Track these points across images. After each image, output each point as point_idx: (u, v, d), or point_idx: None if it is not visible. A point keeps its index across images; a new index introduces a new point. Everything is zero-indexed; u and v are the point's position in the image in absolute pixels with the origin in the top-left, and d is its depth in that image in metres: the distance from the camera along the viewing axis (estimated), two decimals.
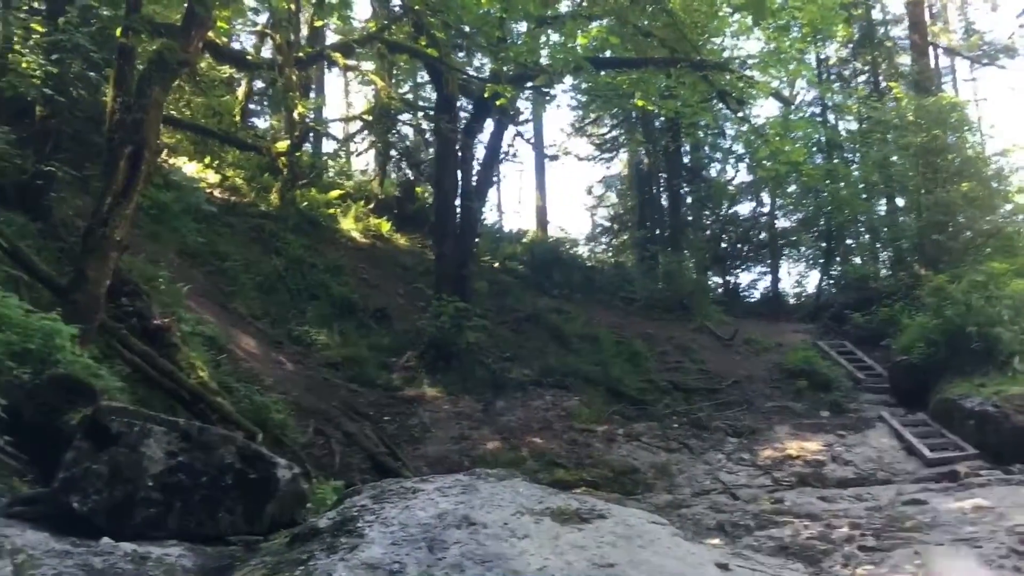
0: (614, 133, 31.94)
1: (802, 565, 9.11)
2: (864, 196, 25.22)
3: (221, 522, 4.41)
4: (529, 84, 18.02)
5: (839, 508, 11.58)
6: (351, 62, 18.11)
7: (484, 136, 20.66)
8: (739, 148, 27.57)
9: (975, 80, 31.74)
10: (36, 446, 4.99)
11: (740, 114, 18.19)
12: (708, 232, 29.72)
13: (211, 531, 4.34)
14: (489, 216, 29.06)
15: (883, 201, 26.49)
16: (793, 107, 26.36)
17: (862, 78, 30.03)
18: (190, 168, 17.68)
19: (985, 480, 12.22)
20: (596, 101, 25.65)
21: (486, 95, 15.37)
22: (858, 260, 27.51)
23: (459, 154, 18.65)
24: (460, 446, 13.58)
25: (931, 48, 26.97)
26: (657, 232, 29.71)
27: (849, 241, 28.13)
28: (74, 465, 4.18)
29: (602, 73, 17.53)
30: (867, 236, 27.81)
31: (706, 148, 29.39)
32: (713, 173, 30.24)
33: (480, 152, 20.63)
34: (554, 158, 32.18)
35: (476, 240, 19.46)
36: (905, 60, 27.56)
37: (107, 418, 4.40)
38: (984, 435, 13.51)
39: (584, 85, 23.07)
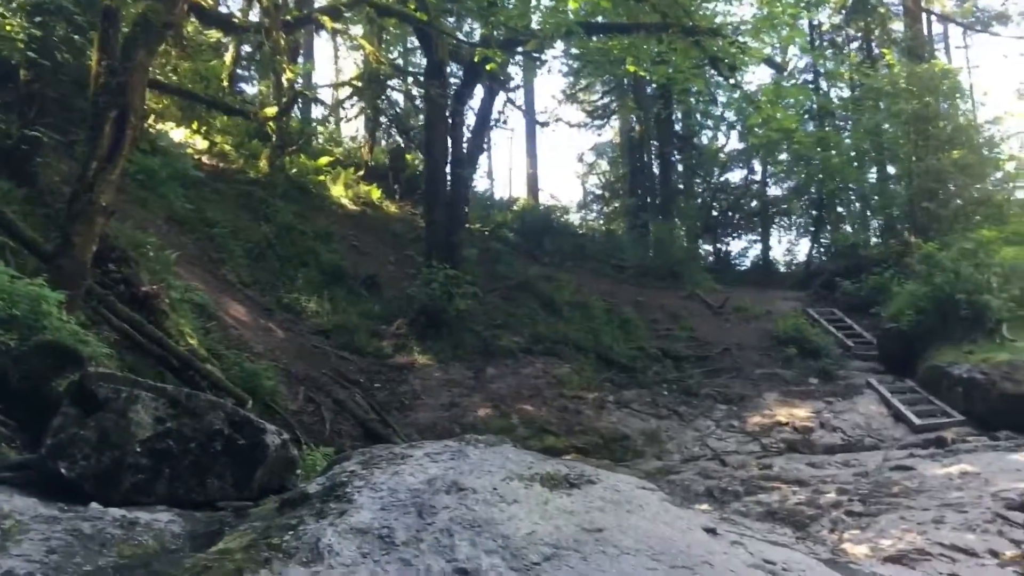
0: (605, 100, 31.77)
1: (790, 529, 9.21)
2: (855, 164, 25.20)
3: (210, 488, 4.40)
4: (520, 49, 17.85)
5: (827, 474, 11.69)
6: (339, 26, 17.86)
7: (475, 103, 20.51)
8: (731, 115, 27.49)
9: (968, 47, 31.68)
10: (23, 412, 4.96)
11: (732, 80, 18.06)
12: (699, 200, 29.69)
13: (200, 497, 4.33)
14: (480, 183, 28.96)
15: (874, 169, 26.49)
16: (785, 74, 26.22)
17: (855, 45, 29.88)
18: (178, 134, 17.50)
19: (972, 446, 12.34)
20: (587, 67, 25.46)
21: (476, 60, 15.21)
22: (848, 228, 27.57)
23: (449, 120, 18.51)
24: (450, 413, 13.61)
25: (924, 14, 26.85)
26: (648, 200, 29.66)
27: (840, 209, 28.17)
28: (61, 431, 4.15)
29: (593, 38, 17.36)
30: (858, 204, 27.85)
31: (698, 115, 29.28)
32: (704, 141, 30.16)
33: (470, 119, 20.48)
34: (545, 125, 32.07)
35: (466, 207, 19.39)
36: (898, 26, 27.41)
37: (95, 384, 4.37)
38: (971, 402, 13.63)
39: (575, 51, 22.88)
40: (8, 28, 9.86)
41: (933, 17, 28.63)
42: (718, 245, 29.20)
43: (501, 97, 22.23)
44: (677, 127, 29.63)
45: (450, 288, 16.01)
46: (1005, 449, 11.96)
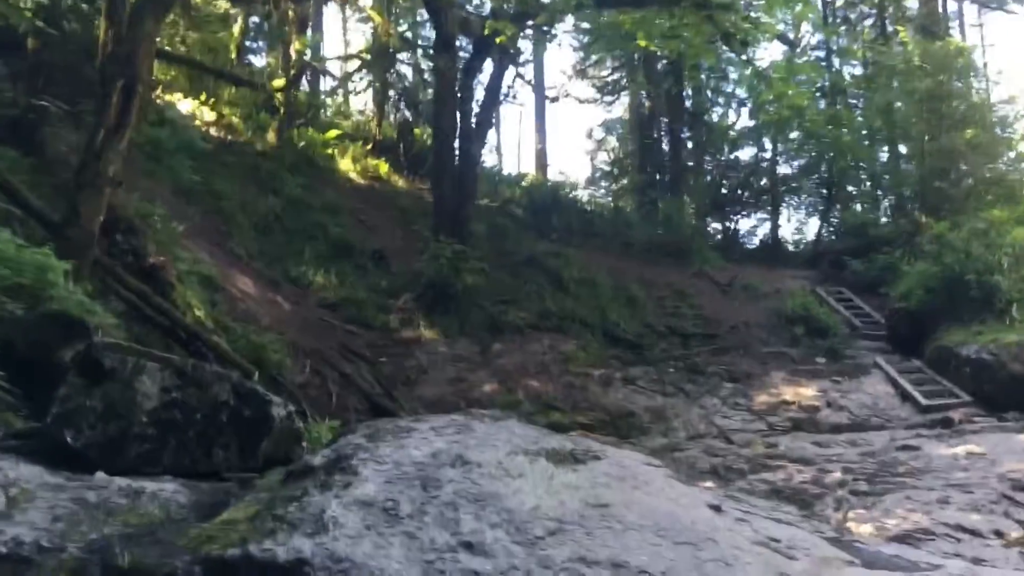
0: (615, 76, 31.54)
1: (794, 508, 9.20)
2: (867, 143, 25.01)
3: (216, 458, 4.40)
4: (530, 22, 17.69)
5: (832, 453, 11.69)
6: None
7: (484, 77, 20.36)
8: (741, 92, 27.26)
9: (982, 25, 31.27)
10: (29, 381, 4.97)
11: (744, 56, 17.89)
12: (708, 177, 29.52)
13: (206, 467, 4.33)
14: (488, 158, 28.81)
15: (885, 148, 26.28)
16: (797, 50, 25.99)
17: (868, 21, 29.55)
18: (185, 106, 17.44)
19: (979, 427, 12.33)
20: (598, 41, 25.22)
21: (486, 33, 15.09)
22: (859, 207, 27.39)
23: (458, 94, 18.39)
24: (456, 388, 13.64)
25: None
26: (657, 177, 29.51)
27: (850, 188, 27.97)
28: (67, 400, 4.15)
29: (604, 13, 17.20)
30: (868, 183, 27.65)
31: (708, 92, 29.04)
32: (715, 118, 29.93)
33: (479, 93, 20.36)
34: (554, 100, 31.85)
35: (475, 182, 19.29)
36: (912, 3, 27.09)
37: (101, 354, 4.36)
38: (979, 382, 13.60)
39: (586, 25, 22.67)
40: None
41: None
42: (727, 223, 29.06)
43: (511, 71, 22.12)
44: (687, 104, 29.40)
45: (457, 263, 15.98)
46: (1013, 430, 11.94)
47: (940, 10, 26.43)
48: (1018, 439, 11.23)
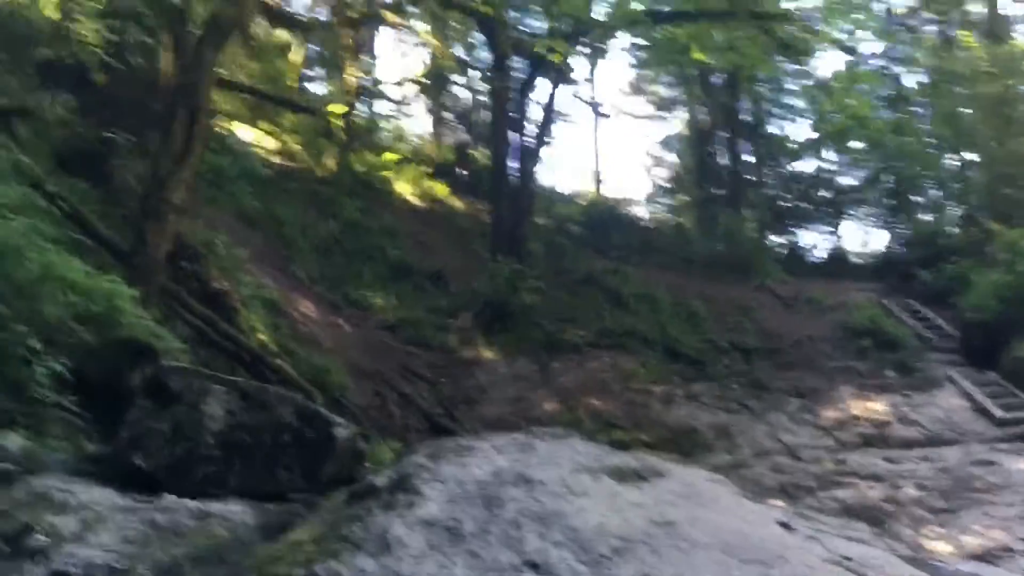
0: (672, 91, 31.37)
1: (866, 525, 8.95)
2: (932, 150, 24.41)
3: (280, 480, 4.45)
4: (583, 39, 17.71)
5: (904, 469, 11.37)
6: (403, 21, 17.99)
7: (539, 95, 20.44)
8: (800, 103, 26.85)
9: None
10: (100, 406, 5.09)
11: (802, 67, 17.64)
12: (769, 191, 29.09)
13: (271, 488, 4.38)
14: (545, 177, 28.84)
15: (951, 155, 25.60)
16: (858, 59, 25.54)
17: (931, 28, 28.92)
18: (247, 133, 17.84)
19: None
20: (653, 58, 25.12)
21: (537, 50, 15.14)
22: (926, 217, 26.69)
23: (513, 114, 18.48)
24: (517, 407, 13.61)
25: None
26: (716, 191, 29.19)
27: (916, 197, 27.28)
28: (137, 424, 4.24)
29: (659, 27, 17.14)
30: (935, 192, 26.93)
31: (766, 104, 28.68)
32: (775, 130, 29.52)
33: (536, 112, 20.42)
34: (606, 116, 31.79)
35: (531, 201, 19.32)
36: (977, 7, 26.42)
37: (168, 377, 4.45)
38: None
39: (641, 41, 22.60)
40: (84, 33, 10.16)
41: None
42: (789, 236, 28.57)
43: (565, 89, 22.14)
44: (747, 117, 29.07)
45: (515, 282, 16.00)
46: None
47: (1005, 13, 25.72)
48: None
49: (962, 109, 22.68)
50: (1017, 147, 19.77)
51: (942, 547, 8.46)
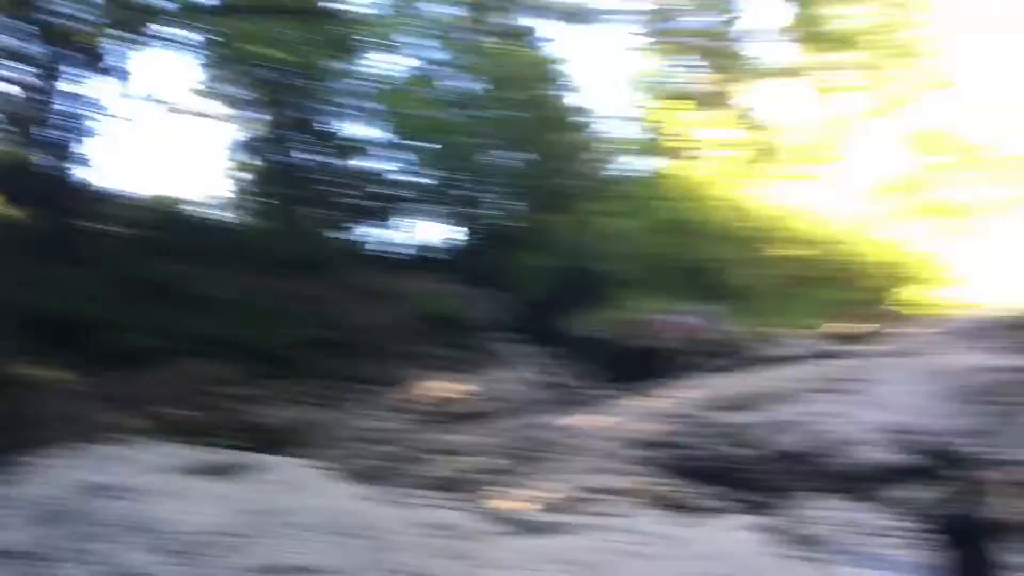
0: (244, 92, 30.43)
1: (454, 493, 9.64)
2: (496, 150, 26.58)
3: None
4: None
5: (478, 440, 12.45)
6: None
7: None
8: (375, 105, 27.59)
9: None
10: None
11: (372, 68, 17.82)
12: (343, 189, 29.36)
13: None
14: (111, 179, 26.09)
15: (512, 153, 28.02)
16: (425, 64, 26.73)
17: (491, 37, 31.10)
18: None
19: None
20: (215, 53, 24.02)
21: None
22: (493, 212, 28.86)
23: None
24: (83, 425, 12.30)
25: None
26: (291, 191, 28.86)
27: (484, 194, 29.14)
28: None
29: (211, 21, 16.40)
30: (500, 188, 29.07)
31: (336, 105, 29.01)
32: (348, 130, 29.94)
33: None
34: (180, 115, 29.86)
35: (83, 203, 17.67)
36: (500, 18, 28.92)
37: None
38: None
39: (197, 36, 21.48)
40: None
41: None
42: (365, 233, 29.20)
43: (116, 84, 20.32)
44: (318, 117, 29.09)
45: (70, 291, 14.36)
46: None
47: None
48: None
49: (515, 112, 25.21)
50: (556, 144, 22.44)
51: (520, 505, 9.39)
